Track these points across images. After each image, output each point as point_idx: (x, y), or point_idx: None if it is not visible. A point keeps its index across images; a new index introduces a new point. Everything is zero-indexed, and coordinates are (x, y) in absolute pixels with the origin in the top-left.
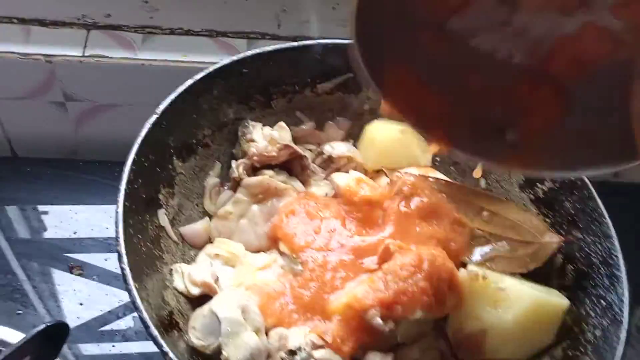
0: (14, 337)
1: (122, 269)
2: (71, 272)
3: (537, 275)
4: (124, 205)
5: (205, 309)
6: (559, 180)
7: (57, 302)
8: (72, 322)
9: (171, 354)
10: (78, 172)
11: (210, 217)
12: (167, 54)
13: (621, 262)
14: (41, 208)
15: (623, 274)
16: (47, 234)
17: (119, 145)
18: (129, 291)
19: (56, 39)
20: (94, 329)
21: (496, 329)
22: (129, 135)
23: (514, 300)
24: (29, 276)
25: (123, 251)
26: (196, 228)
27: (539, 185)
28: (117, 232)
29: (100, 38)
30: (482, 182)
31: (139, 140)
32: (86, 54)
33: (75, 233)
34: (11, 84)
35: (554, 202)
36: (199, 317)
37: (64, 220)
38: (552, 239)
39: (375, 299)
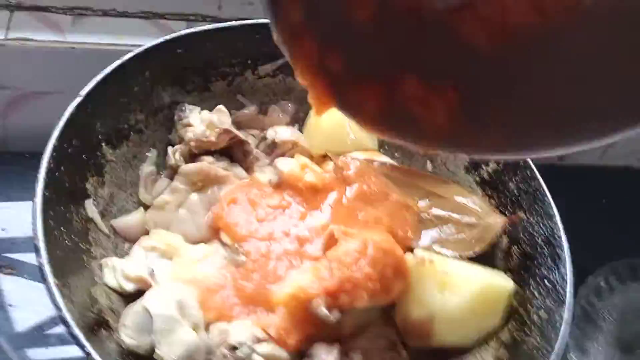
0: None
1: (40, 264)
2: (1, 272)
3: (484, 258)
4: (43, 195)
5: (137, 305)
6: (503, 161)
7: None
8: (2, 324)
9: (94, 354)
10: (6, 165)
11: (146, 207)
12: (99, 36)
13: (564, 241)
14: None
15: (565, 253)
16: None
17: (51, 135)
18: (48, 288)
19: None
20: (28, 332)
21: (443, 314)
22: None
23: (460, 284)
24: None
25: (42, 245)
26: (130, 220)
27: (483, 167)
28: (34, 224)
29: (24, 20)
30: (429, 165)
31: (60, 124)
32: (9, 37)
33: (3, 230)
34: None
35: (499, 183)
36: (130, 314)
37: None
38: (496, 220)
39: (320, 287)
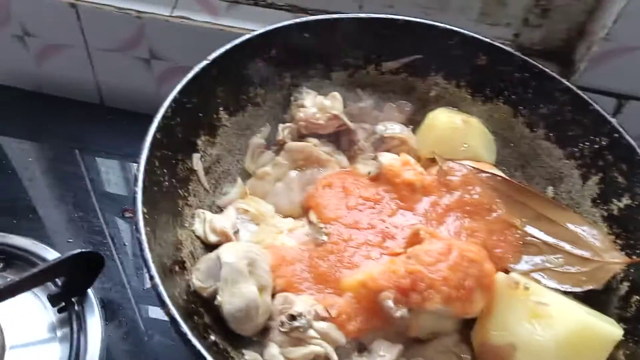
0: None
1: (134, 192)
2: (123, 217)
3: (596, 302)
4: (154, 136)
5: (213, 253)
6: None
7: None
8: (132, 279)
9: (157, 279)
10: None
11: (246, 177)
12: (247, 23)
13: None
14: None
15: None
16: (117, 180)
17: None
18: (135, 212)
19: None
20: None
21: (529, 346)
22: None
23: (557, 318)
24: (105, 219)
25: (140, 175)
26: (230, 195)
27: (615, 201)
28: (140, 157)
29: (188, 2)
30: (550, 190)
31: (184, 81)
32: (173, 14)
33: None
34: (105, 36)
35: (630, 221)
36: (205, 260)
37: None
38: (617, 260)
39: (392, 281)
